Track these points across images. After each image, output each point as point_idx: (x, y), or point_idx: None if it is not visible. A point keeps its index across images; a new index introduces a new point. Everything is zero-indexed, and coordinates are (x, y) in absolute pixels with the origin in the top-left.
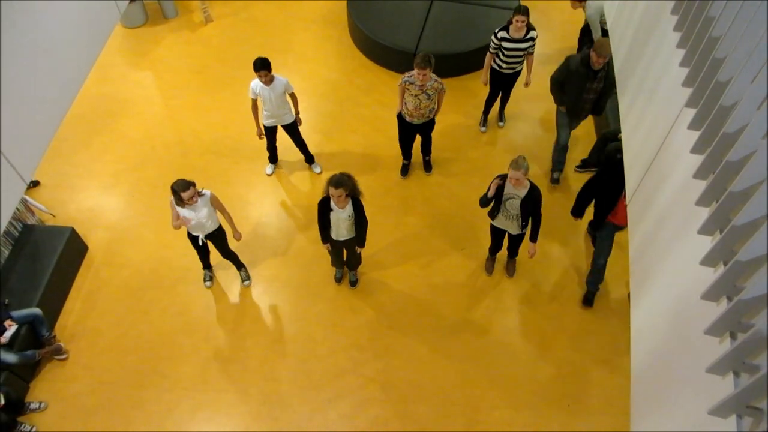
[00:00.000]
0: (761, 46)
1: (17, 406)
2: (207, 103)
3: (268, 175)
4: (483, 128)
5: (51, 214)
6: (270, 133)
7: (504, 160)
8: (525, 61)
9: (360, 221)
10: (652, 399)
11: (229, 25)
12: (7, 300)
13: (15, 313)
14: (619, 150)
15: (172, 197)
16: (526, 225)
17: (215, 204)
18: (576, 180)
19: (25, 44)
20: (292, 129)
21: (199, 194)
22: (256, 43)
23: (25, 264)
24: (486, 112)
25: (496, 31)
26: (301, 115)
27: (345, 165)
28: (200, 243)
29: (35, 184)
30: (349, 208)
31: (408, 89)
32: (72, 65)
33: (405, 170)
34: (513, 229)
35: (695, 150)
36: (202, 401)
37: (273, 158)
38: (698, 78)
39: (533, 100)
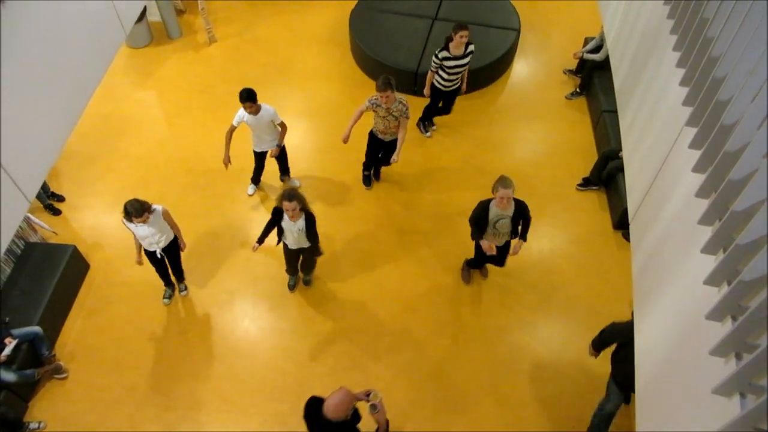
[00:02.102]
0: (761, 65)
1: (16, 426)
2: (210, 122)
3: (250, 195)
4: (428, 134)
5: (53, 232)
6: (258, 158)
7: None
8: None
9: (311, 234)
10: (657, 421)
11: (232, 45)
12: (7, 318)
13: (15, 331)
14: (620, 168)
15: (122, 218)
16: (515, 235)
17: (167, 218)
18: (578, 197)
19: (31, 63)
20: (280, 155)
21: (150, 211)
22: (260, 63)
23: (27, 282)
24: (425, 119)
25: (437, 51)
26: (303, 133)
27: (345, 183)
28: (158, 256)
29: (60, 199)
30: (300, 222)
31: (376, 111)
32: (77, 84)
33: (368, 181)
34: (501, 242)
35: (697, 169)
36: (202, 422)
37: (256, 180)
38: (698, 97)
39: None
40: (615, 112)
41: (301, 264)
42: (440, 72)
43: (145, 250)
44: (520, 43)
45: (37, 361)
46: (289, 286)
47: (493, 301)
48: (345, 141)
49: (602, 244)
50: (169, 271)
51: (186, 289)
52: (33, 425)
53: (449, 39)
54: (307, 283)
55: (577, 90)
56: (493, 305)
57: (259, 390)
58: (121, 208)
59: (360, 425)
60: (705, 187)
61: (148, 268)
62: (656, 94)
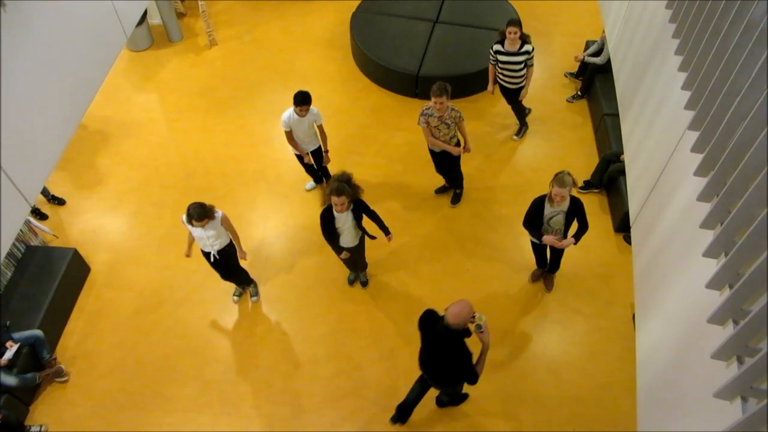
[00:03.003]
0: (763, 69)
1: (17, 430)
2: (211, 125)
3: (308, 190)
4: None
5: (54, 236)
6: (306, 163)
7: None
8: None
9: (370, 216)
10: (659, 424)
11: (233, 48)
12: (8, 321)
13: (16, 335)
14: (621, 171)
15: (183, 217)
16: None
17: (225, 225)
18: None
19: (32, 67)
20: (316, 156)
21: (212, 217)
22: (260, 66)
23: (28, 285)
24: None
25: (493, 44)
26: None
27: None
28: (212, 260)
29: (61, 202)
30: (350, 210)
31: (429, 123)
32: (78, 88)
33: (442, 189)
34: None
35: (698, 172)
36: (203, 424)
37: (316, 179)
38: (700, 101)
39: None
40: (616, 115)
41: (356, 263)
42: (498, 67)
43: (202, 252)
44: None
45: (38, 364)
46: (349, 280)
47: (499, 302)
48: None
49: (603, 247)
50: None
51: (257, 294)
52: (34, 429)
53: (503, 33)
54: (364, 284)
55: (579, 93)
56: (498, 306)
57: (261, 393)
58: (122, 210)
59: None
60: (707, 190)
61: (150, 270)
62: (658, 98)
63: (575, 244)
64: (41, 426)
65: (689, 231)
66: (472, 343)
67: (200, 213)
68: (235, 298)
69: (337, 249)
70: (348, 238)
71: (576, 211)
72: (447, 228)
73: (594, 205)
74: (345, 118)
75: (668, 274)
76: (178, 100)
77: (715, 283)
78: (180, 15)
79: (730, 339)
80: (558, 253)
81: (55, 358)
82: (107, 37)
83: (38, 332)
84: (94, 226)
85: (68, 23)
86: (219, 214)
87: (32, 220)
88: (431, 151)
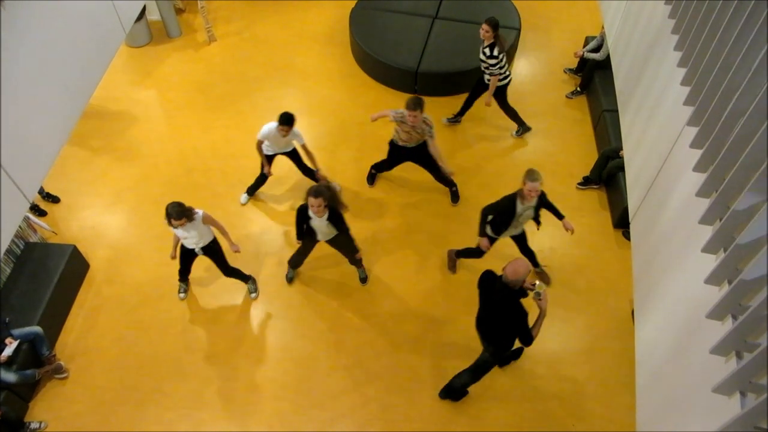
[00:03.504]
0: (763, 64)
1: (17, 426)
2: (210, 121)
3: (243, 204)
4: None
5: (53, 232)
6: (268, 160)
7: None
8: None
9: (339, 229)
10: (658, 419)
11: (232, 44)
12: (8, 318)
13: (16, 332)
14: (621, 167)
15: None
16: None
17: (208, 222)
18: (579, 196)
19: (30, 63)
20: (295, 156)
21: (191, 218)
22: (259, 62)
23: (27, 282)
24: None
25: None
26: (303, 132)
27: (346, 182)
28: (195, 254)
29: (55, 200)
30: (325, 217)
31: (400, 126)
32: (77, 84)
33: (372, 179)
34: (518, 232)
35: (697, 168)
36: (203, 420)
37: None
38: (700, 97)
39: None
40: (615, 111)
41: (347, 258)
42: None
43: (183, 247)
44: (521, 42)
45: (37, 361)
46: (287, 278)
47: None
48: (373, 119)
49: (602, 242)
50: (191, 268)
51: (256, 291)
52: (34, 425)
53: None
54: (363, 281)
55: (578, 89)
56: None
57: (259, 389)
58: (121, 207)
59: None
60: (706, 186)
61: (149, 267)
62: (657, 94)
63: (564, 217)
64: (41, 422)
65: (688, 227)
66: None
67: (178, 212)
68: (182, 295)
69: (299, 235)
70: (322, 235)
71: (543, 203)
72: (447, 224)
73: (593, 201)
74: (343, 114)
75: (667, 270)
76: (176, 96)
77: (714, 279)
78: (179, 11)
79: (728, 334)
80: (522, 239)
81: (55, 355)
82: (106, 33)
83: (37, 329)
84: (94, 222)
85: (66, 20)
86: (199, 213)
87: (31, 216)
88: (397, 146)
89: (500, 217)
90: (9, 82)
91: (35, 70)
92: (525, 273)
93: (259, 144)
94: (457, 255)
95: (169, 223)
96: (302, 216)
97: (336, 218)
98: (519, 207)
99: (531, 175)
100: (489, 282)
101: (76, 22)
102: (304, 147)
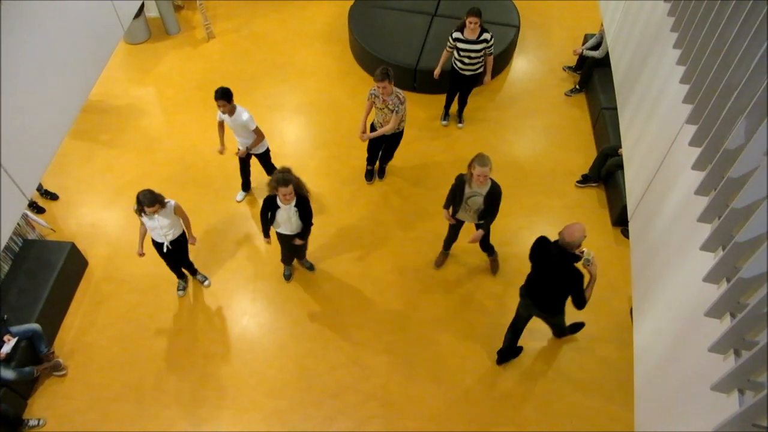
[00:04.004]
0: (762, 62)
1: (15, 423)
2: (209, 118)
3: (238, 201)
4: (444, 122)
5: (51, 229)
6: (242, 160)
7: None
8: (485, 63)
9: (306, 213)
10: (656, 417)
11: (230, 42)
12: (6, 315)
13: (14, 329)
14: (620, 165)
15: (135, 206)
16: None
17: (179, 213)
18: (578, 194)
19: (28, 60)
20: (262, 160)
21: (163, 204)
22: (258, 59)
23: (25, 279)
24: (446, 107)
25: (452, 31)
26: (302, 129)
27: (344, 178)
28: (164, 250)
29: (54, 197)
30: (293, 204)
31: (375, 102)
32: (75, 81)
33: (370, 175)
34: (471, 219)
35: (696, 166)
36: (201, 418)
37: (245, 185)
38: (699, 95)
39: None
40: (614, 109)
41: (296, 251)
42: (455, 53)
43: (154, 242)
44: (520, 39)
45: (36, 358)
46: (285, 276)
47: (491, 298)
48: (362, 138)
49: (601, 240)
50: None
51: (206, 279)
52: (32, 422)
53: (464, 22)
54: (310, 268)
55: (577, 87)
56: (490, 302)
57: (258, 387)
58: (120, 204)
59: None
60: (705, 184)
61: (148, 264)
62: (656, 92)
63: (484, 231)
64: (39, 419)
65: (687, 224)
66: None
67: (150, 199)
68: (180, 292)
69: (266, 232)
70: (286, 227)
71: (492, 197)
72: (445, 222)
73: (592, 199)
74: (342, 111)
75: (666, 268)
76: (175, 93)
77: (712, 277)
78: (177, 8)
79: (727, 332)
80: (484, 236)
81: (53, 352)
82: (104, 30)
83: (36, 326)
84: (93, 219)
85: (64, 16)
86: (171, 203)
87: (29, 213)
88: (375, 131)
89: (452, 194)
90: (5, 79)
91: (33, 67)
92: (581, 236)
93: (219, 126)
94: (445, 248)
95: (141, 212)
96: (269, 205)
97: (303, 203)
98: (467, 190)
99: (480, 159)
100: (544, 246)
101: (74, 19)
102: (256, 131)
